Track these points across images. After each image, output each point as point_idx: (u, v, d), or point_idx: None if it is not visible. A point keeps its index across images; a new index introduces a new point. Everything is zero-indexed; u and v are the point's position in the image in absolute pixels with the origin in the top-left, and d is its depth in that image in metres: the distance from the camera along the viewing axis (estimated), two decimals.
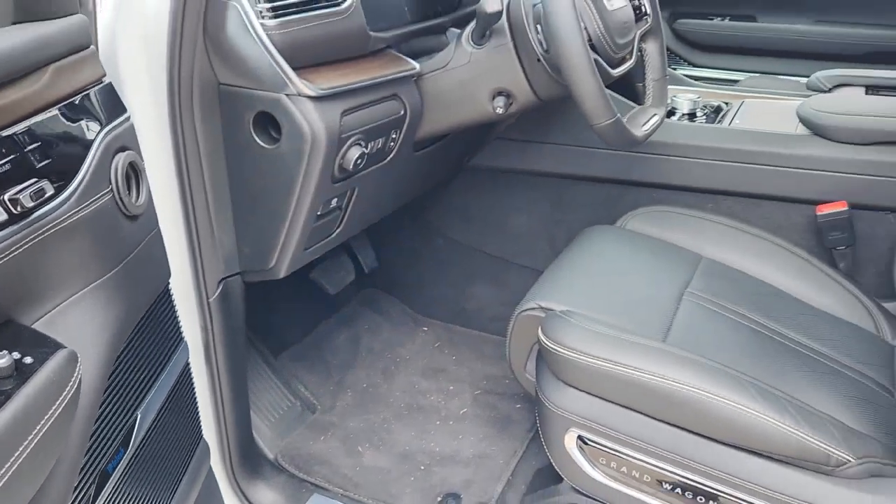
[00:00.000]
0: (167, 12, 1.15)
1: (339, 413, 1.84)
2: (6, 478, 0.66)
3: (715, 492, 1.23)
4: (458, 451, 1.72)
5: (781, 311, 1.51)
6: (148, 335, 1.01)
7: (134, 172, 0.97)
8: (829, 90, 1.87)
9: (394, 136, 1.45)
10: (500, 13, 1.33)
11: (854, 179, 1.65)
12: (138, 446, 0.99)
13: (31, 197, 0.77)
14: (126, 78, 1.17)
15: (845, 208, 1.62)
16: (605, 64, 1.37)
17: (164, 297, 1.08)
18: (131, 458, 0.98)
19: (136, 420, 0.99)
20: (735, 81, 2.64)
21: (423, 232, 2.14)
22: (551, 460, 1.39)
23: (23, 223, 0.77)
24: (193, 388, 1.19)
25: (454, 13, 1.65)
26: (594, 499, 1.37)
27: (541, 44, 1.36)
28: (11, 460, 0.67)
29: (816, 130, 1.71)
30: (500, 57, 1.39)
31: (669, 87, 1.76)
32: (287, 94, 1.22)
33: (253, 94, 1.24)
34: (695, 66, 2.79)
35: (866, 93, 1.81)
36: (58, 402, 0.73)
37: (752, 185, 1.75)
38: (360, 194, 1.47)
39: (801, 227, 1.72)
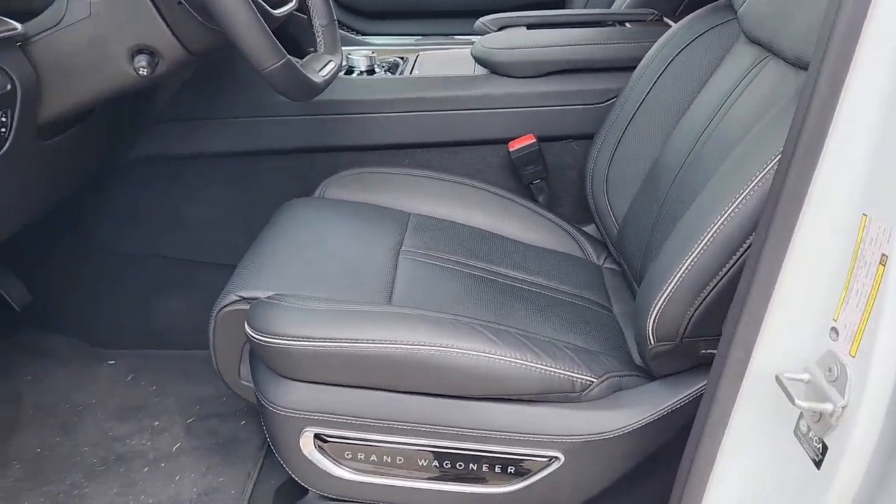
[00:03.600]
0: None
1: (4, 496, 1.42)
2: None
3: (467, 453, 1.12)
4: (177, 494, 1.42)
5: (495, 252, 1.46)
6: None
7: None
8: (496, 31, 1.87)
9: (3, 119, 1.10)
10: None
11: (536, 112, 1.66)
12: None
13: None
14: None
15: (533, 141, 1.62)
16: (264, 4, 1.18)
17: None
18: None
19: None
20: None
21: (85, 247, 1.76)
22: (289, 471, 1.17)
23: None
24: None
25: None
26: (349, 501, 1.19)
27: None
28: None
29: (493, 68, 1.69)
30: (129, 4, 1.12)
31: (343, 48, 1.62)
32: None
33: None
34: (364, 34, 2.71)
35: (528, 29, 1.84)
36: None
37: (442, 133, 1.68)
38: None
39: (498, 168, 1.70)
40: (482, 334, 1.09)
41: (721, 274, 0.99)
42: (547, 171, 1.65)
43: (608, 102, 1.63)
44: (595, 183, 1.55)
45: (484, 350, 1.07)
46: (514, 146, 1.62)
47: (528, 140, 1.62)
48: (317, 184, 1.60)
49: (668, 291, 1.02)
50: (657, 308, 1.03)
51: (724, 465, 0.91)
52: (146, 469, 1.48)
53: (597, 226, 1.58)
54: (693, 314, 1.01)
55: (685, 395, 1.08)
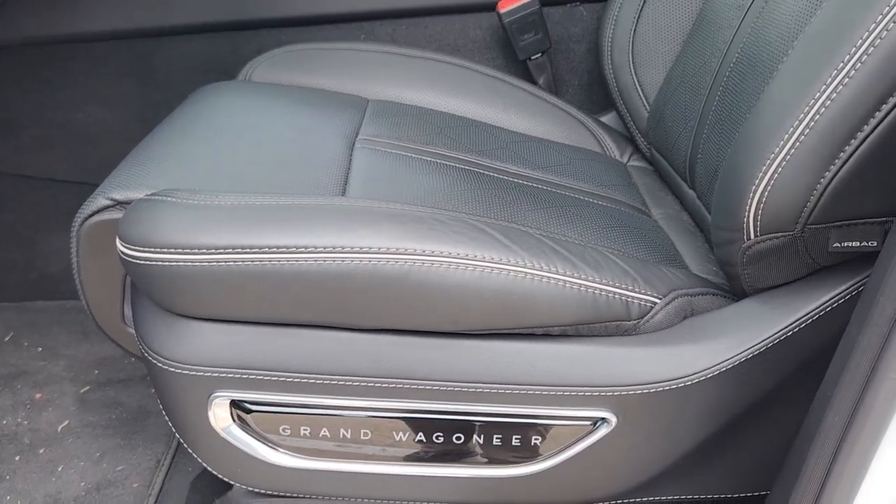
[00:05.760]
0: None
1: None
2: None
3: (468, 420, 0.73)
4: (57, 492, 1.02)
5: (488, 143, 1.06)
6: None
7: None
8: None
9: None
10: None
11: None
12: None
13: None
14: None
15: None
16: None
17: None
18: None
19: None
20: None
21: None
22: (198, 458, 0.78)
23: None
24: None
25: None
26: (291, 497, 0.80)
27: None
28: None
29: None
30: None
31: None
32: None
33: None
34: None
35: None
36: None
37: None
38: None
39: (483, 42, 1.29)
40: (487, 234, 0.70)
41: (881, 115, 0.60)
42: (550, 43, 1.25)
43: None
44: (615, 54, 1.16)
45: (491, 258, 0.68)
46: (507, 6, 1.21)
47: None
48: (240, 67, 1.18)
49: (782, 154, 0.64)
50: (765, 181, 0.65)
51: None
52: (18, 458, 1.07)
53: (618, 113, 1.20)
54: (828, 185, 0.63)
55: (799, 317, 0.70)
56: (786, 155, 0.63)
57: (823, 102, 0.61)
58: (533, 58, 1.25)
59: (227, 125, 0.96)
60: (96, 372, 1.24)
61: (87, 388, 1.20)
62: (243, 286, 0.67)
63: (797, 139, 0.63)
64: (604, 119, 1.24)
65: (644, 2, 1.13)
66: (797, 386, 0.71)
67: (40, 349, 1.29)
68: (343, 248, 0.66)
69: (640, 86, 1.14)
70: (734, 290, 0.77)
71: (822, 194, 0.63)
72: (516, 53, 1.24)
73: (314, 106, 1.07)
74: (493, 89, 1.19)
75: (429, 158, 0.97)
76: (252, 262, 0.66)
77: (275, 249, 0.66)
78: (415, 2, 1.27)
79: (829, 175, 0.62)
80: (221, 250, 0.66)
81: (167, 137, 0.93)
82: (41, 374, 1.23)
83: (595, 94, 1.30)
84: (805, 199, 0.64)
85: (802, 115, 0.62)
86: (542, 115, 1.18)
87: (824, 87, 0.61)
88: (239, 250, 0.66)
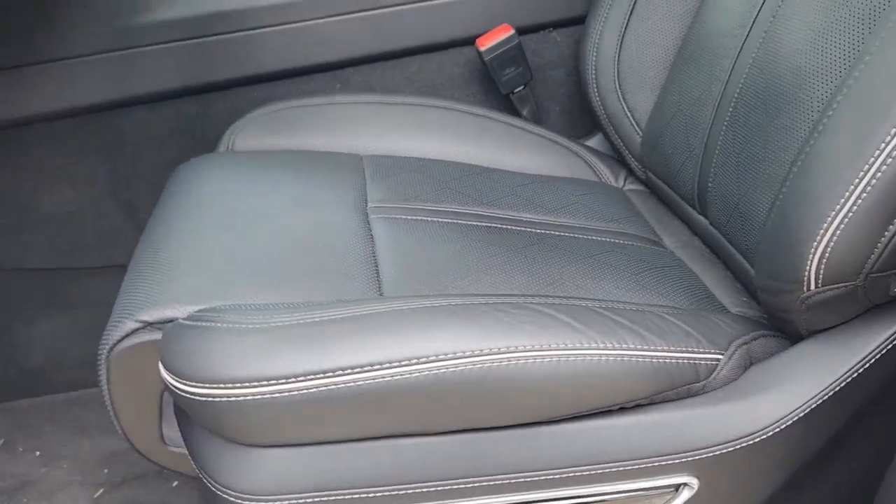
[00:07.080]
0: None
1: None
2: None
3: None
4: None
5: (495, 190, 1.05)
6: None
7: None
8: None
9: None
10: None
11: None
12: None
13: None
14: None
15: (512, 33, 1.19)
16: None
17: None
18: None
19: None
20: None
21: None
22: None
23: None
24: None
25: None
26: None
27: None
28: None
29: None
30: None
31: None
32: None
33: None
34: None
35: None
36: None
37: (382, 39, 1.23)
38: None
39: (462, 79, 1.27)
40: (554, 319, 0.69)
41: None
42: (531, 75, 1.23)
43: None
44: (601, 78, 1.15)
45: (565, 344, 0.67)
46: (486, 43, 1.18)
47: (505, 32, 1.18)
48: (216, 134, 1.13)
49: (843, 213, 0.64)
50: (826, 238, 0.65)
51: None
52: None
53: (607, 137, 1.20)
54: (892, 238, 0.64)
55: (864, 356, 0.72)
56: (847, 213, 0.64)
57: (884, 161, 0.62)
58: (516, 91, 1.23)
59: (230, 212, 0.92)
60: (106, 471, 1.17)
61: (101, 490, 1.14)
62: (316, 412, 0.64)
63: (858, 197, 0.63)
64: (590, 143, 1.24)
65: (626, 25, 1.13)
66: (868, 421, 0.73)
67: (38, 453, 1.21)
68: (419, 360, 0.63)
69: (629, 111, 1.14)
70: (786, 332, 0.78)
71: (885, 247, 0.64)
72: (498, 88, 1.22)
73: (310, 173, 1.03)
74: (484, 129, 1.17)
75: (446, 220, 0.94)
76: (325, 387, 0.63)
77: (348, 371, 0.63)
78: (387, 45, 1.23)
79: (893, 228, 0.64)
80: (292, 379, 0.63)
81: (171, 234, 0.87)
82: (46, 483, 1.16)
83: (577, 118, 1.29)
84: (868, 252, 0.65)
85: (862, 174, 0.63)
86: (534, 149, 1.17)
87: (883, 144, 0.62)
88: (311, 377, 0.63)
